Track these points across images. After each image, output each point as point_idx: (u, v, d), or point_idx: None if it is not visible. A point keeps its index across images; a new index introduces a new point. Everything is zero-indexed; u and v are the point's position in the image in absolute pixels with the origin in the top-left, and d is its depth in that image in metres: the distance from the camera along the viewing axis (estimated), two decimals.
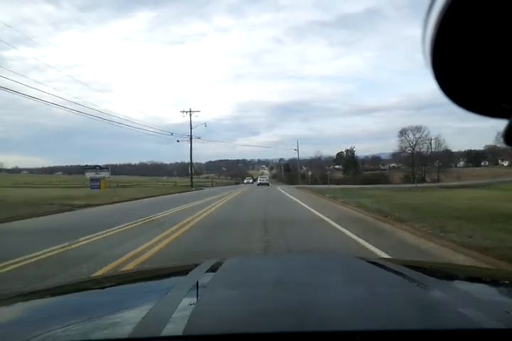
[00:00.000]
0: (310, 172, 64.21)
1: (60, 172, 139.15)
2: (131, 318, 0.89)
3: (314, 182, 60.88)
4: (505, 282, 1.42)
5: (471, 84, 0.46)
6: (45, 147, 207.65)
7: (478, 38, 0.41)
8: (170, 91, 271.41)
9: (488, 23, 0.39)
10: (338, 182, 58.08)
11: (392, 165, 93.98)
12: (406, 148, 66.56)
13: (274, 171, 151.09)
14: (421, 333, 0.74)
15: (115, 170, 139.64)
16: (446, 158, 69.67)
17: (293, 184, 64.72)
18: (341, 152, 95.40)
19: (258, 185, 56.70)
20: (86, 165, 37.11)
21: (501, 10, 0.38)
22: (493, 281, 1.43)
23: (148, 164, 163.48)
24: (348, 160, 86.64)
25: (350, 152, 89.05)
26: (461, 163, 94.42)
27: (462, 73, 0.45)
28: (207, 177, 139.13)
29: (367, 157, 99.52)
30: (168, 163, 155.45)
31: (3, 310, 1.15)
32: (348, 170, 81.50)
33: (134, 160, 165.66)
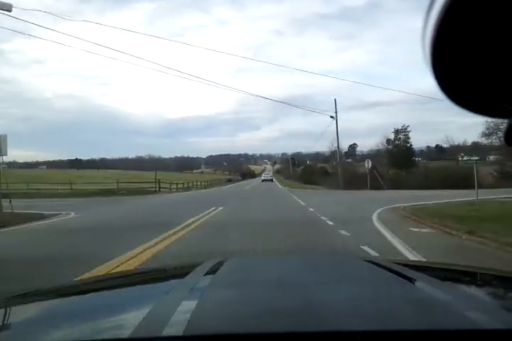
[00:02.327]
0: (369, 164, 29.88)
1: (44, 167, 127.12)
2: (131, 319, 0.88)
3: (373, 183, 29.84)
4: (506, 282, 1.40)
5: (471, 84, 0.45)
6: (29, 140, 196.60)
7: (479, 37, 0.40)
8: (169, 84, 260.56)
9: (490, 23, 0.39)
10: (394, 183, 31.40)
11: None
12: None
13: (277, 166, 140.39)
14: (422, 333, 0.74)
15: (108, 164, 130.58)
16: None
17: (311, 183, 43.69)
18: (354, 144, 76.87)
19: (262, 181, 54.98)
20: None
21: (503, 9, 0.38)
22: (494, 281, 1.42)
23: (145, 158, 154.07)
24: (398, 147, 46.36)
25: (403, 133, 46.83)
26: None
27: (463, 73, 0.44)
28: (201, 172, 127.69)
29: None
30: (167, 156, 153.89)
31: (2, 312, 1.12)
32: (402, 164, 42.79)
33: (132, 154, 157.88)
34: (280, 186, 39.02)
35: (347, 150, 79.03)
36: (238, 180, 79.58)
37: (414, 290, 1.11)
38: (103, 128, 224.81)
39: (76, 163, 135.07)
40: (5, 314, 1.11)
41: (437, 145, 74.37)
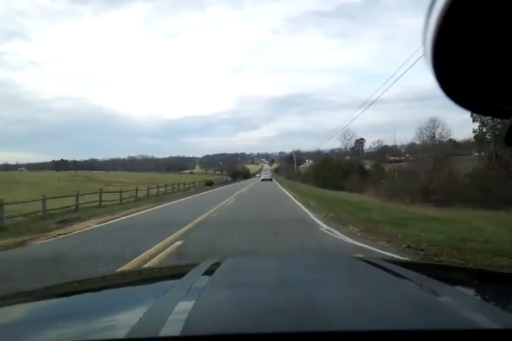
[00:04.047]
0: None
1: (24, 169, 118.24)
2: (128, 319, 0.88)
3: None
4: (504, 283, 1.40)
5: (471, 83, 0.45)
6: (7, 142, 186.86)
7: (481, 36, 0.40)
8: (168, 86, 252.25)
9: (491, 22, 0.39)
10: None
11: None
12: None
13: (275, 165, 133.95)
14: (420, 333, 0.74)
15: (96, 165, 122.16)
16: None
17: (334, 188, 31.49)
18: (362, 138, 67.21)
19: (262, 180, 54.94)
20: None
21: (504, 8, 0.38)
22: (492, 282, 1.43)
23: (138, 158, 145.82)
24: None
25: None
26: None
27: (463, 71, 0.45)
28: (190, 173, 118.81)
29: (377, 147, 68.05)
30: (160, 156, 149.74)
31: (1, 311, 1.13)
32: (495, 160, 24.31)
33: (123, 155, 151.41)
34: (310, 213, 12.16)
35: (354, 146, 69.30)
36: (227, 182, 60.67)
37: (413, 290, 1.10)
38: (99, 130, 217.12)
39: (61, 164, 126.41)
40: (3, 313, 1.09)
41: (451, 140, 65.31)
